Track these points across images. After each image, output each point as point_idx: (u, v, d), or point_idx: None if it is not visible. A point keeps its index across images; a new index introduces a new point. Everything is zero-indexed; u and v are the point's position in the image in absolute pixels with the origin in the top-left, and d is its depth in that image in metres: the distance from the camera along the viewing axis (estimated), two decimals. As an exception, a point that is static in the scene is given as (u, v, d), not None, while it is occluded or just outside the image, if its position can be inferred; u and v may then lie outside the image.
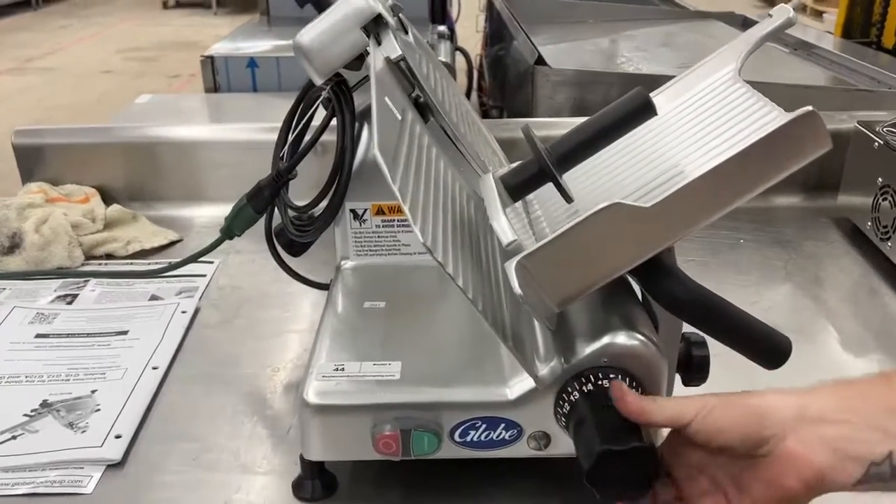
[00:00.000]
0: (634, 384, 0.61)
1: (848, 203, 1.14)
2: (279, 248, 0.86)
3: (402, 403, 0.63)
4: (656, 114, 0.59)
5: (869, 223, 1.05)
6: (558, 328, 0.63)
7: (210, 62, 2.08)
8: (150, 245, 1.10)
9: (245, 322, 0.94)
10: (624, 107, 0.60)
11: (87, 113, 4.82)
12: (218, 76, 2.09)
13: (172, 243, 1.14)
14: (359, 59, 0.78)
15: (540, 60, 1.41)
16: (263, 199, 0.84)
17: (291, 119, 0.86)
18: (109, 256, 1.08)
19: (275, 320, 0.94)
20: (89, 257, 1.07)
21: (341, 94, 0.81)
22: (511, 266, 0.54)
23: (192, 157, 1.24)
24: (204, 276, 1.03)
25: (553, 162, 0.60)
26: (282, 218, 0.85)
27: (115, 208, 1.16)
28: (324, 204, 0.82)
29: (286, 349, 0.89)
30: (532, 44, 1.55)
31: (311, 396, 0.63)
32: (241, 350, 0.88)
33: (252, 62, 2.09)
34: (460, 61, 2.61)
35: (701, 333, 0.65)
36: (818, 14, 7.26)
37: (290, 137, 0.86)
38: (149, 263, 1.07)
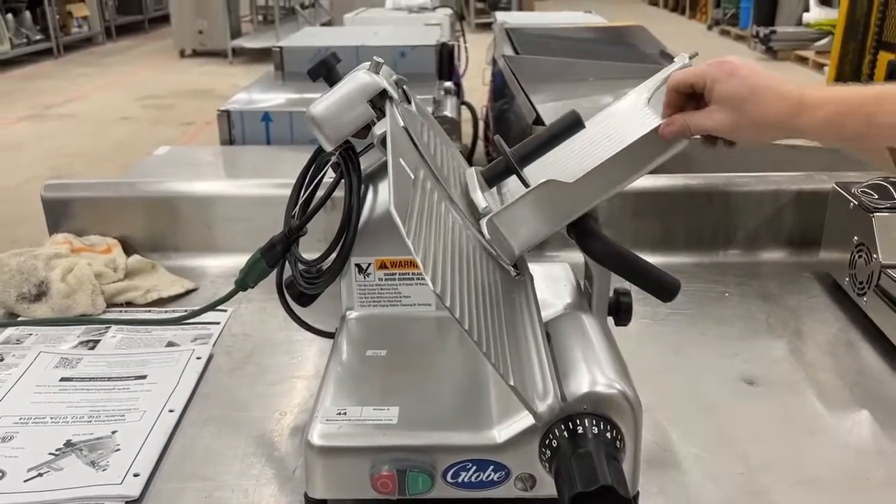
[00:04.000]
0: (612, 429, 0.67)
1: (828, 259, 1.20)
2: (289, 299, 0.93)
3: (398, 446, 0.68)
4: (584, 127, 0.85)
5: (847, 279, 1.11)
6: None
7: (226, 116, 2.18)
8: (167, 294, 1.17)
9: (255, 368, 1.00)
10: (563, 122, 0.85)
11: (105, 160, 4.95)
12: (233, 129, 2.19)
13: (188, 292, 1.20)
14: (365, 129, 0.86)
15: (538, 120, 1.49)
16: (276, 254, 0.91)
17: (303, 180, 0.94)
18: (129, 304, 1.15)
19: (283, 367, 1.00)
20: (111, 305, 1.14)
21: (349, 159, 0.88)
22: (483, 222, 0.80)
23: (208, 211, 1.32)
24: (218, 323, 1.09)
25: (516, 160, 0.84)
26: (292, 271, 0.92)
27: (136, 258, 1.23)
28: (331, 258, 0.88)
29: (293, 394, 0.95)
30: (531, 103, 1.64)
31: (316, 438, 0.69)
32: (251, 395, 0.94)
33: (266, 116, 2.19)
34: (469, 112, 2.71)
35: (627, 286, 0.84)
36: (819, 66, 7.41)
37: (302, 197, 0.93)
38: (166, 311, 1.14)
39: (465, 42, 4.08)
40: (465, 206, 0.85)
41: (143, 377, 0.95)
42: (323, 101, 0.84)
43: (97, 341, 1.04)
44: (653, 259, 0.80)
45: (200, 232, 1.32)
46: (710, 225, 1.29)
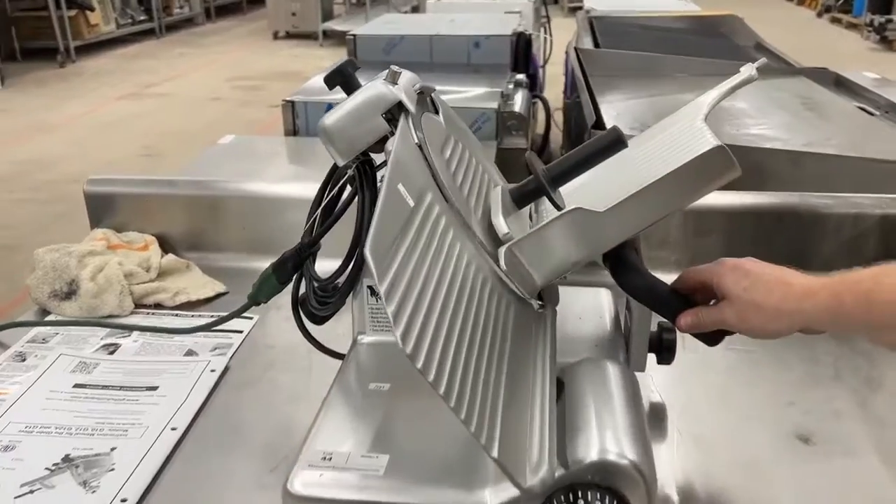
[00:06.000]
0: (618, 502, 0.59)
1: (915, 296, 1.06)
2: (304, 317, 0.88)
3: (381, 503, 0.62)
4: (626, 146, 0.76)
5: (934, 322, 0.97)
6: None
7: (291, 107, 2.16)
8: (196, 297, 1.15)
9: (269, 385, 0.96)
10: (602, 140, 0.76)
11: (194, 140, 5.07)
12: (298, 120, 2.17)
13: (219, 295, 1.18)
14: (382, 142, 0.80)
15: (598, 124, 1.39)
16: (287, 270, 0.86)
17: (323, 193, 0.88)
18: (158, 306, 1.14)
19: (297, 385, 0.96)
20: (139, 306, 1.13)
21: (364, 173, 0.82)
22: (501, 251, 0.73)
23: (250, 211, 1.29)
24: (240, 332, 1.06)
25: (548, 180, 0.77)
26: (306, 289, 0.87)
27: (170, 258, 1.21)
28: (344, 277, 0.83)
29: (303, 416, 0.89)
30: (594, 104, 1.53)
31: (296, 486, 0.64)
32: (259, 415, 0.91)
33: (330, 107, 2.16)
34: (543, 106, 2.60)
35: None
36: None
37: (318, 211, 0.88)
38: (192, 315, 1.12)
39: (549, 29, 3.95)
40: (486, 231, 0.78)
41: (155, 388, 0.93)
42: (335, 112, 0.79)
43: (118, 345, 1.03)
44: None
45: (242, 232, 1.29)
46: (780, 249, 1.16)
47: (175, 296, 1.14)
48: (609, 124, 1.54)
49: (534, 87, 2.73)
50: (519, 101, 2.20)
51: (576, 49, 2.22)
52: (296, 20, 8.86)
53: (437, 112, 0.88)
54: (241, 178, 1.34)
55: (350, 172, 0.84)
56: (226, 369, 0.98)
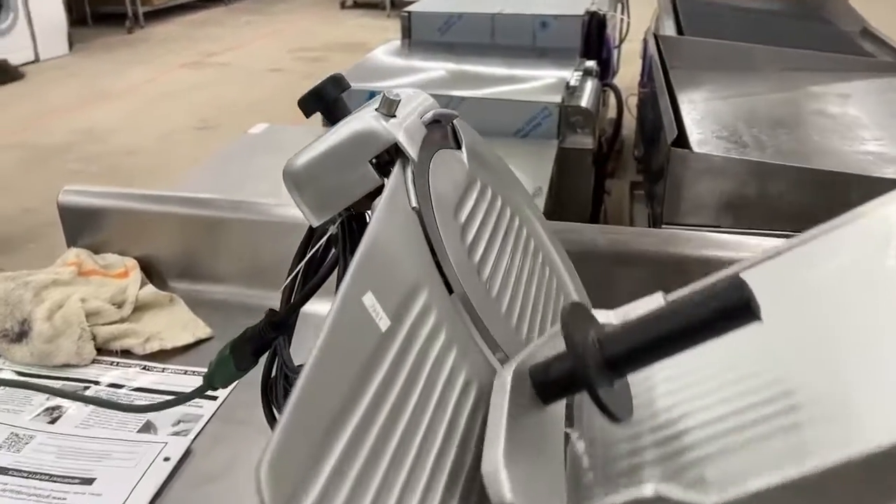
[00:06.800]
0: None
1: None
2: (274, 408, 0.67)
3: None
4: (759, 320, 0.39)
5: None
6: None
7: (329, 93, 1.95)
8: (171, 344, 0.95)
9: (234, 483, 0.75)
10: (712, 305, 0.40)
11: (250, 113, 4.93)
12: (337, 108, 1.96)
13: (201, 341, 0.98)
14: (372, 196, 0.57)
15: (680, 140, 1.13)
16: (247, 354, 0.65)
17: (304, 252, 0.66)
18: (126, 353, 0.94)
19: (269, 487, 0.75)
20: (104, 351, 0.94)
21: (350, 231, 0.60)
22: None
23: (254, 235, 1.08)
24: (215, 399, 0.86)
25: (598, 367, 0.41)
26: (276, 376, 0.65)
27: (149, 291, 1.02)
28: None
29: (270, 537, 0.69)
30: (674, 107, 1.26)
31: None
32: (214, 531, 0.70)
33: (373, 96, 1.94)
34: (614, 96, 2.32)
35: None
36: None
37: (300, 266, 0.66)
38: (163, 369, 0.92)
39: (627, 5, 3.62)
40: (495, 335, 0.54)
41: (90, 482, 0.73)
42: (306, 153, 0.56)
43: (64, 410, 0.84)
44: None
45: (242, 260, 1.09)
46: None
47: (146, 342, 0.94)
48: (691, 131, 1.28)
49: (606, 73, 2.45)
50: (587, 94, 1.93)
51: (655, 36, 1.92)
52: (364, -11, 8.66)
53: (458, 146, 0.64)
54: (244, 195, 1.13)
55: (333, 230, 0.62)
56: (186, 453, 0.78)
